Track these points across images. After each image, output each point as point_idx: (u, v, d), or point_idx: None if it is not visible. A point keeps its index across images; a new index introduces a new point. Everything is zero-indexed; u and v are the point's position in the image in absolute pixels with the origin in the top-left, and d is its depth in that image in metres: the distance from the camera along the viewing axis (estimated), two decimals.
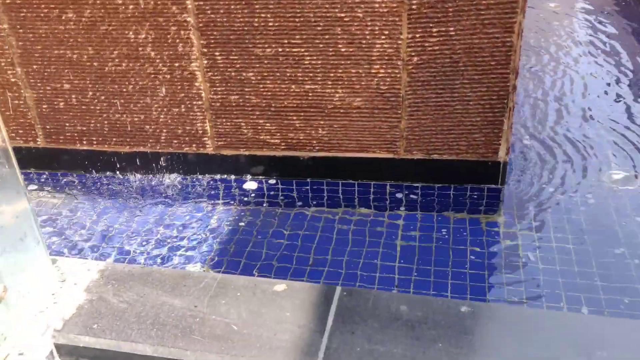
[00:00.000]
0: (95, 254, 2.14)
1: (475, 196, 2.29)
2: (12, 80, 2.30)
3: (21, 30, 2.19)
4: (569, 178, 2.37)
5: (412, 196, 2.31)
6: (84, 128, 2.37)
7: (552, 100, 2.93)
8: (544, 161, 2.45)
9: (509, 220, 2.22)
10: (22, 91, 2.32)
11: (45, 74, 2.27)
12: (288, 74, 2.14)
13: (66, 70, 2.25)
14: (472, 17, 1.95)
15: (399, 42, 2.03)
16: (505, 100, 2.08)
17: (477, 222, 2.23)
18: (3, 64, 2.27)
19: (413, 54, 2.04)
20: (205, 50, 2.14)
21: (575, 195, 2.30)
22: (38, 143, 2.44)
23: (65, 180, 2.51)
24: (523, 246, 2.10)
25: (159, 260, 2.10)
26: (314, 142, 2.26)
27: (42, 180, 2.52)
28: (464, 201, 2.29)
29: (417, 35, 2.01)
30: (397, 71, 2.08)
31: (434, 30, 1.99)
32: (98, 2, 2.10)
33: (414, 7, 1.96)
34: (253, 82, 2.18)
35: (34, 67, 2.26)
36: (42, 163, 2.49)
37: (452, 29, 1.98)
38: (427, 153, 2.22)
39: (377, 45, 2.05)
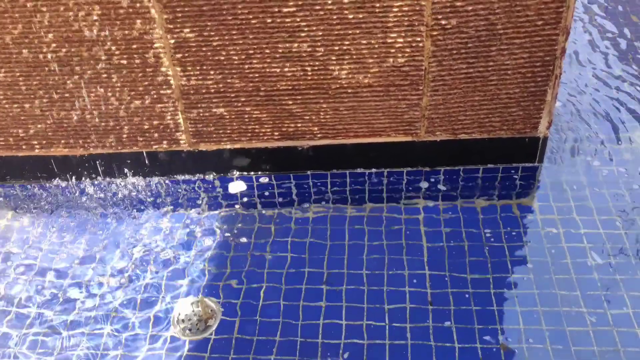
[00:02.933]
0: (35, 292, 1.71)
1: (507, 178, 1.94)
2: None
3: None
4: (608, 152, 2.04)
5: (432, 183, 1.94)
6: (20, 130, 1.86)
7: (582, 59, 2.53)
8: (580, 134, 2.10)
9: (545, 205, 1.90)
10: None
11: None
12: (280, 50, 1.68)
13: None
14: None
15: (422, 3, 1.59)
16: (551, 66, 1.69)
17: (509, 209, 1.89)
18: None
19: (440, 17, 1.61)
20: (170, 26, 1.64)
21: (614, 169, 1.98)
22: None
23: (6, 192, 2.02)
24: (566, 235, 1.79)
25: (137, 300, 1.70)
26: (315, 129, 1.84)
27: None
28: (493, 185, 1.94)
29: None
30: (418, 39, 1.65)
31: None
32: None
33: None
34: (235, 62, 1.71)
35: None
36: None
37: None
38: (453, 133, 1.84)
39: (395, 9, 1.60)
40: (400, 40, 1.65)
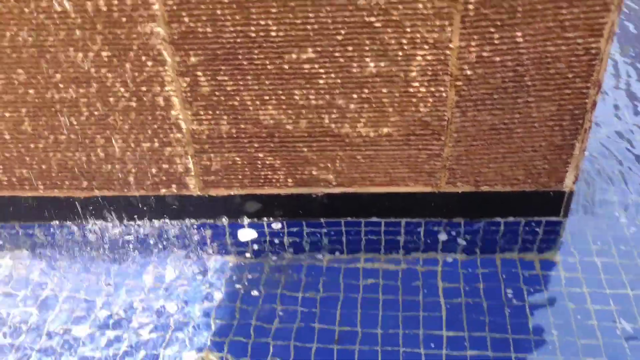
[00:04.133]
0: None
1: (530, 232, 1.84)
2: None
3: None
4: (637, 208, 1.94)
5: (451, 236, 1.85)
6: (24, 170, 1.79)
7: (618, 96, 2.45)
8: (608, 181, 2.01)
9: (569, 261, 1.80)
10: None
11: None
12: (297, 97, 1.61)
13: None
14: (549, 18, 1.45)
15: (447, 52, 1.52)
16: (581, 120, 1.61)
17: (531, 264, 1.80)
18: None
19: (465, 67, 1.54)
20: (182, 69, 1.58)
21: None
22: None
23: (8, 232, 1.94)
24: (591, 296, 1.69)
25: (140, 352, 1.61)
26: (331, 176, 1.76)
27: None
28: (515, 239, 1.84)
29: (473, 44, 1.50)
30: (442, 89, 1.58)
31: (496, 36, 1.48)
32: (27, 10, 1.49)
33: (470, 7, 1.44)
34: (250, 108, 1.64)
35: None
36: None
37: (519, 34, 1.48)
38: (475, 185, 1.76)
39: (418, 58, 1.53)
40: (423, 89, 1.58)
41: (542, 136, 1.65)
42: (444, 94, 1.58)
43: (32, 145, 1.74)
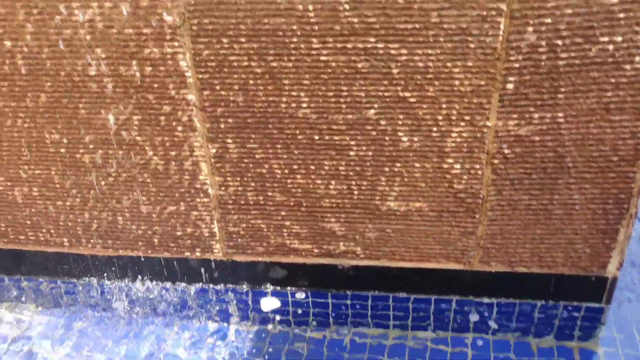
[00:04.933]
0: None
1: (568, 318, 1.73)
2: None
3: None
4: None
5: (483, 316, 1.75)
6: (51, 227, 1.78)
7: None
8: None
9: (611, 351, 1.68)
10: None
11: None
12: (327, 168, 1.57)
13: (23, 157, 1.66)
14: (592, 100, 1.38)
15: (484, 130, 1.46)
16: (626, 205, 1.52)
17: (569, 353, 1.69)
18: None
19: (503, 145, 1.47)
20: (212, 136, 1.56)
21: None
22: None
23: (28, 286, 1.93)
24: None
25: None
26: (358, 249, 1.70)
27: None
28: (552, 324, 1.74)
29: (511, 123, 1.44)
30: (478, 167, 1.51)
31: (535, 116, 1.42)
32: (63, 73, 1.50)
33: (509, 85, 1.39)
34: (278, 176, 1.60)
35: None
36: None
37: (560, 114, 1.41)
38: (510, 265, 1.67)
39: (454, 134, 1.47)
40: (458, 166, 1.52)
41: (583, 219, 1.56)
42: (479, 172, 1.52)
43: (59, 203, 1.73)
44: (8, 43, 1.48)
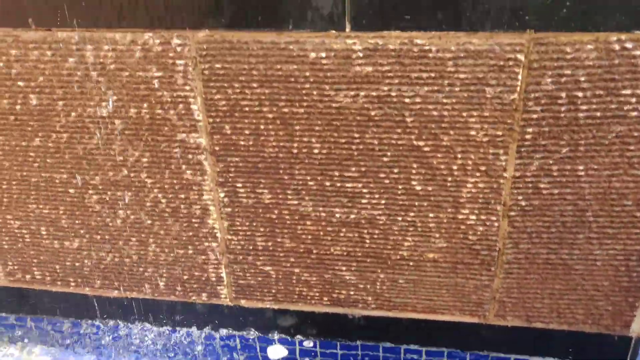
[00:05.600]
0: None
1: None
2: None
3: None
4: None
5: None
6: (58, 266, 1.76)
7: None
8: None
9: None
10: None
11: (4, 199, 1.67)
12: (338, 215, 1.53)
13: (32, 197, 1.65)
14: (615, 153, 1.33)
15: (501, 181, 1.41)
16: None
17: None
18: None
19: (520, 197, 1.42)
20: (222, 180, 1.53)
21: None
22: None
23: (33, 325, 1.90)
24: None
25: None
26: (369, 298, 1.64)
27: (3, 324, 1.92)
28: None
29: (528, 174, 1.39)
30: (494, 218, 1.46)
31: (554, 168, 1.37)
32: (74, 114, 1.49)
33: (527, 136, 1.34)
34: (288, 221, 1.56)
35: None
36: (2, 305, 1.88)
37: (581, 167, 1.36)
38: (527, 320, 1.60)
39: (469, 185, 1.43)
40: (473, 217, 1.47)
41: (604, 276, 1.49)
42: (495, 224, 1.47)
43: (66, 243, 1.71)
44: (21, 83, 1.48)
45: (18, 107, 1.51)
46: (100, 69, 1.42)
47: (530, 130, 1.34)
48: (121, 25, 1.36)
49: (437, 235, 1.51)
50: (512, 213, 1.45)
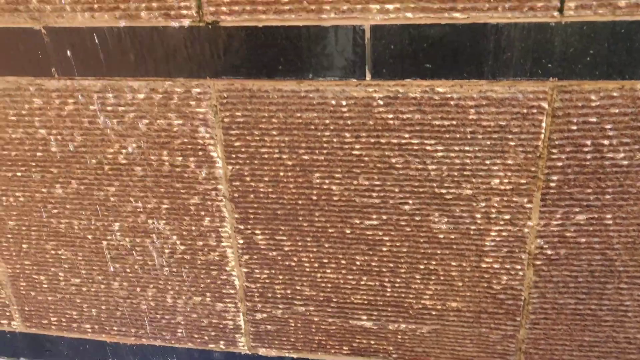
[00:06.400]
0: None
1: None
2: None
3: None
4: None
5: None
6: (75, 312, 1.74)
7: None
8: None
9: None
10: None
11: (23, 245, 1.66)
12: (358, 263, 1.50)
13: (50, 243, 1.64)
14: None
15: (526, 230, 1.38)
16: None
17: None
18: None
19: (545, 246, 1.39)
20: (240, 227, 1.51)
21: None
22: (14, 327, 1.82)
23: None
24: None
25: None
26: (391, 348, 1.60)
27: None
28: None
29: (554, 223, 1.35)
30: (518, 267, 1.42)
31: (580, 217, 1.34)
32: (94, 161, 1.49)
33: (552, 184, 1.31)
34: (307, 269, 1.54)
35: (8, 236, 1.66)
36: (19, 351, 1.87)
37: (609, 216, 1.32)
38: None
39: (493, 233, 1.39)
40: (497, 266, 1.43)
41: (636, 327, 1.44)
42: (520, 272, 1.43)
43: (84, 289, 1.70)
44: (43, 131, 1.49)
45: (39, 153, 1.52)
46: (120, 116, 1.43)
47: (555, 178, 1.31)
48: (142, 74, 1.37)
49: (460, 283, 1.48)
50: (538, 262, 1.41)
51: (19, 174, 1.55)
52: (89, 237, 1.61)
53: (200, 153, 1.43)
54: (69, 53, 1.37)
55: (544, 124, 1.26)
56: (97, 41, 1.34)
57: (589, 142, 1.26)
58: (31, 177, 1.55)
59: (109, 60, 1.36)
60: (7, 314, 1.80)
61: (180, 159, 1.45)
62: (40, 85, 1.43)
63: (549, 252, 1.39)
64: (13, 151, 1.52)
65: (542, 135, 1.27)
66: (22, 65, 1.41)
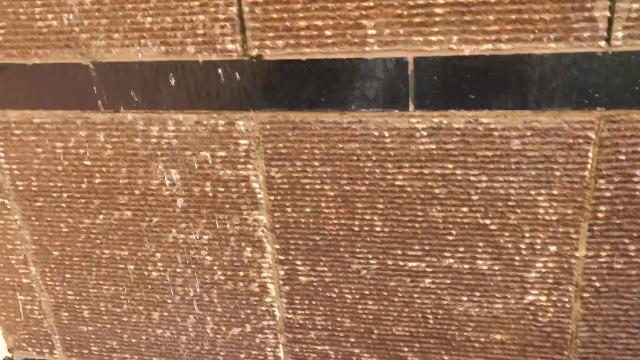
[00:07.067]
0: None
1: None
2: (25, 281, 1.73)
3: (37, 223, 1.63)
4: None
5: None
6: (115, 342, 1.75)
7: None
8: None
9: None
10: (37, 295, 1.74)
11: (66, 275, 1.69)
12: (400, 295, 1.48)
13: (93, 273, 1.66)
14: None
15: (572, 261, 1.35)
16: None
17: None
18: (14, 262, 1.70)
19: (594, 278, 1.35)
20: (282, 257, 1.51)
21: None
22: (55, 356, 1.84)
23: None
24: None
25: None
26: None
27: None
28: None
29: (603, 254, 1.33)
30: (565, 300, 1.39)
31: (631, 247, 1.31)
32: (137, 192, 1.52)
33: (600, 215, 1.29)
34: (348, 301, 1.52)
35: (52, 266, 1.68)
36: None
37: None
38: None
39: (538, 264, 1.37)
40: (543, 298, 1.40)
41: None
42: (567, 305, 1.40)
43: (125, 319, 1.71)
44: (88, 162, 1.52)
45: (84, 185, 1.55)
46: (165, 148, 1.45)
47: (603, 208, 1.28)
48: (186, 107, 1.39)
49: (505, 316, 1.45)
50: (586, 294, 1.38)
51: (63, 204, 1.58)
52: (131, 267, 1.63)
53: (242, 184, 1.45)
54: (115, 87, 1.40)
55: (590, 154, 1.24)
56: (143, 75, 1.37)
57: (638, 172, 1.24)
58: (75, 208, 1.58)
59: (154, 93, 1.39)
60: (49, 343, 1.82)
61: (222, 189, 1.46)
62: (87, 118, 1.46)
63: (597, 284, 1.36)
64: (59, 182, 1.56)
65: (589, 165, 1.25)
66: (70, 99, 1.44)
